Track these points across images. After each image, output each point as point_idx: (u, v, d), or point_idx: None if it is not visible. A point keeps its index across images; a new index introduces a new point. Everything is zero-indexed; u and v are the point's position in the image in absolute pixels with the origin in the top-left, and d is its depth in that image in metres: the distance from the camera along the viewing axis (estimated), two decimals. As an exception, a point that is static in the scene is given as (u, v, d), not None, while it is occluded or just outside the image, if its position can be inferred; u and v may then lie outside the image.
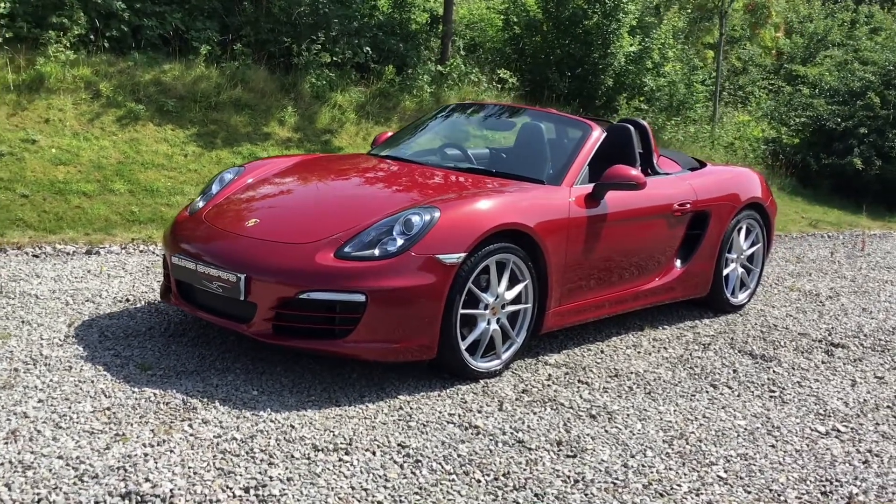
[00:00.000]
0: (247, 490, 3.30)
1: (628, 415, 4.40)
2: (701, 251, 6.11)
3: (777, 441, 4.27)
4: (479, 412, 4.25)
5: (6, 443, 3.50)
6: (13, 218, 7.29)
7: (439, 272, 4.30)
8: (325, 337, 4.29)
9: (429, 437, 3.92)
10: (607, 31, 13.45)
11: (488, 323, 4.65)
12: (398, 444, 3.82)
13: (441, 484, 3.53)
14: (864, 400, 4.97)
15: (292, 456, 3.62)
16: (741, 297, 6.65)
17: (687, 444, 4.13)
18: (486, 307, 4.61)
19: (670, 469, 3.86)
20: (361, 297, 4.19)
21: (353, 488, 3.42)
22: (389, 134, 6.45)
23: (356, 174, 5.38)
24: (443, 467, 3.66)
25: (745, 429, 4.38)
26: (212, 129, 9.62)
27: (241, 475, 3.41)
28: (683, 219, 5.94)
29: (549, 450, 3.92)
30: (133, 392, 4.08)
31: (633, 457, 3.93)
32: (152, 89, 9.69)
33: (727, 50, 20.71)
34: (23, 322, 4.93)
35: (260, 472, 3.45)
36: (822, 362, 5.57)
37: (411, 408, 4.23)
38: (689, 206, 5.93)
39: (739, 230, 6.49)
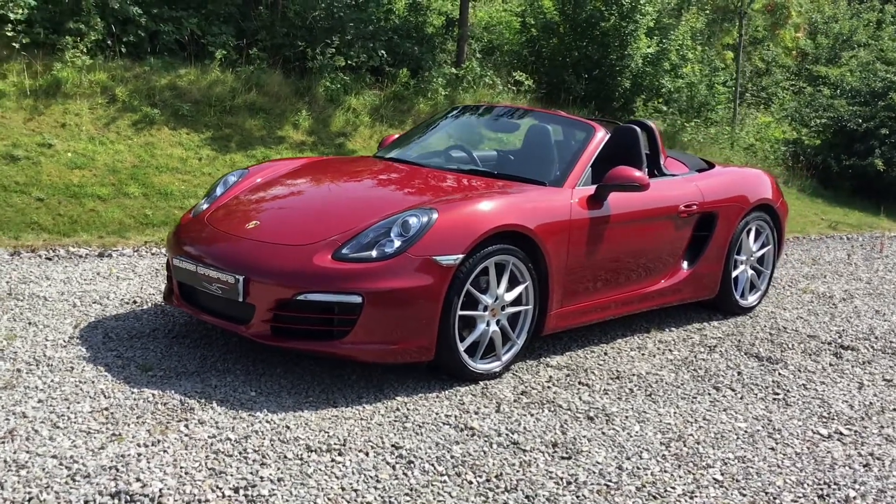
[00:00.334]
0: (236, 490, 3.32)
1: (627, 417, 4.38)
2: (708, 253, 6.07)
3: (777, 444, 4.23)
4: (476, 414, 4.25)
5: (3, 442, 3.54)
6: (28, 221, 7.38)
7: (436, 273, 4.31)
8: (322, 338, 4.31)
9: (423, 439, 3.92)
10: (624, 32, 13.42)
11: (487, 324, 4.65)
12: (392, 445, 3.83)
13: (432, 485, 3.53)
14: (870, 403, 4.91)
15: (285, 456, 3.63)
16: (751, 299, 6.59)
17: (684, 446, 4.10)
18: (485, 309, 4.61)
19: (665, 471, 3.83)
20: (358, 299, 4.20)
21: (343, 489, 3.43)
22: (396, 136, 6.47)
23: (359, 177, 5.39)
24: (435, 468, 3.66)
25: (746, 431, 4.34)
26: (226, 132, 9.69)
27: (232, 475, 3.43)
28: (690, 220, 5.91)
29: (544, 451, 3.91)
30: (132, 393, 4.12)
31: (628, 459, 3.91)
32: (168, 94, 9.78)
33: (750, 51, 20.58)
34: (29, 323, 4.99)
35: (251, 473, 3.47)
36: (830, 365, 5.51)
37: (408, 409, 4.23)
38: (695, 207, 5.89)
39: (749, 232, 6.44)
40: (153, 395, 4.11)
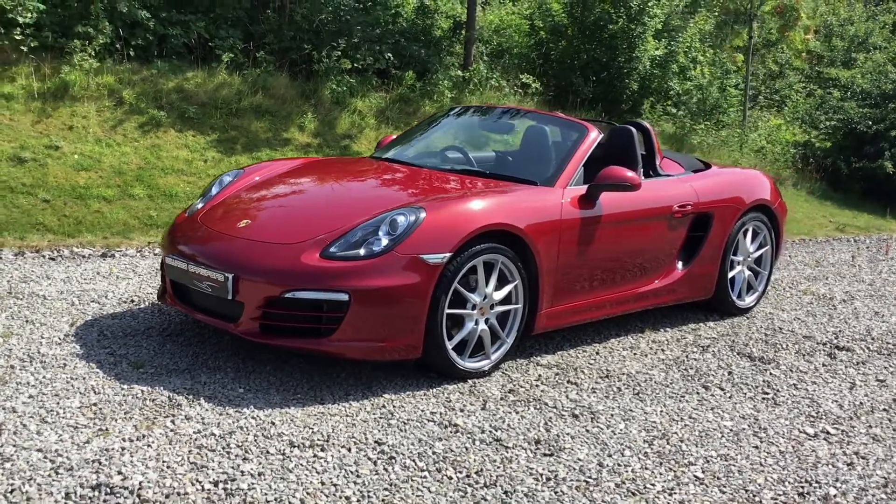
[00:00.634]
0: (216, 484, 3.37)
1: (612, 415, 4.40)
2: (703, 253, 6.08)
3: (762, 442, 4.24)
4: (462, 411, 4.28)
5: (-9, 436, 3.61)
6: (34, 222, 7.48)
7: (423, 272, 4.34)
8: (310, 336, 4.35)
9: (407, 435, 3.96)
10: (632, 35, 13.41)
11: (476, 323, 4.68)
12: (375, 441, 3.86)
13: (412, 480, 3.57)
14: (861, 403, 4.91)
15: (267, 452, 3.68)
16: (748, 299, 6.59)
17: (668, 444, 4.12)
18: (473, 307, 4.64)
19: (646, 469, 3.85)
20: (345, 297, 4.25)
21: (322, 483, 3.47)
22: (393, 137, 6.51)
23: (352, 177, 5.44)
24: (416, 464, 3.70)
25: (731, 430, 4.35)
26: (232, 134, 9.77)
27: (213, 469, 3.48)
28: (684, 220, 5.92)
29: (527, 448, 3.94)
30: (122, 389, 4.18)
31: (610, 456, 3.94)
32: (174, 96, 9.87)
33: (764, 53, 20.53)
34: (27, 321, 5.07)
35: (233, 467, 3.51)
36: (823, 365, 5.51)
37: (394, 406, 4.27)
38: (689, 207, 5.90)
39: (745, 232, 6.44)
40: (142, 391, 4.17)
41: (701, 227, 6.09)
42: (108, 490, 3.23)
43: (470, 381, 4.69)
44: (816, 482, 3.86)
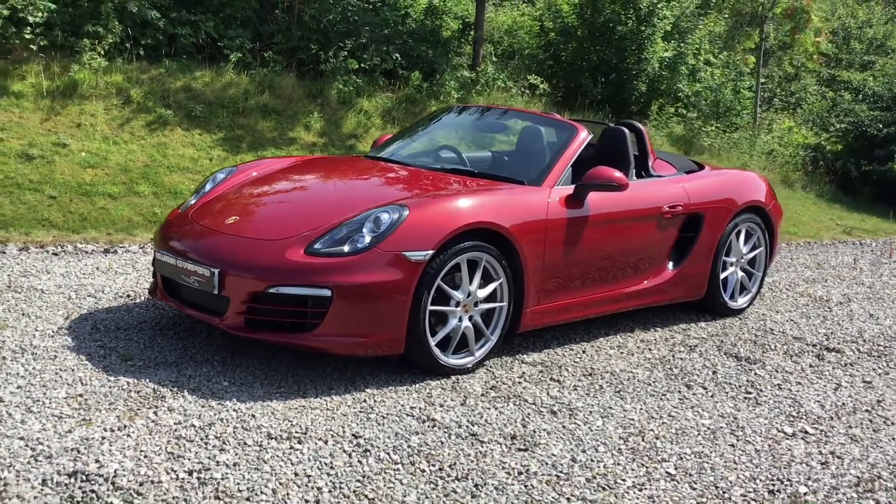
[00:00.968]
0: (190, 473, 3.45)
1: (591, 412, 4.45)
2: (694, 254, 6.10)
3: (738, 441, 4.27)
4: (441, 406, 4.35)
5: (-24, 424, 3.70)
6: (39, 218, 7.60)
7: (406, 269, 4.41)
8: (294, 331, 4.43)
9: (384, 429, 4.03)
10: (642, 36, 13.43)
11: (460, 320, 4.74)
12: (352, 435, 3.93)
13: (385, 473, 3.63)
14: (843, 403, 4.93)
15: (245, 443, 3.76)
16: (741, 301, 6.61)
17: (643, 440, 4.16)
18: (457, 304, 4.70)
19: (618, 464, 3.90)
20: (327, 292, 4.32)
21: (296, 474, 3.54)
22: (389, 136, 6.58)
23: (343, 175, 5.51)
24: (390, 457, 3.76)
25: (708, 428, 4.39)
26: (238, 133, 9.88)
27: (189, 459, 3.56)
28: (675, 221, 5.95)
29: (502, 443, 4.00)
30: (108, 381, 4.27)
31: (584, 452, 3.99)
32: (182, 95, 9.99)
33: (780, 55, 20.46)
34: (22, 314, 5.17)
35: (209, 457, 3.59)
36: (810, 366, 5.53)
37: (375, 401, 4.34)
38: (680, 208, 5.93)
39: (738, 234, 6.46)
40: (128, 383, 4.26)
41: (692, 228, 6.12)
42: (84, 477, 3.32)
43: (453, 377, 4.75)
44: (788, 480, 3.90)
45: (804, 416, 4.67)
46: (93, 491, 3.25)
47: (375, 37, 11.46)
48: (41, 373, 4.31)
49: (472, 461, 3.80)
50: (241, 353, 4.80)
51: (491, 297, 4.87)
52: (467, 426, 4.13)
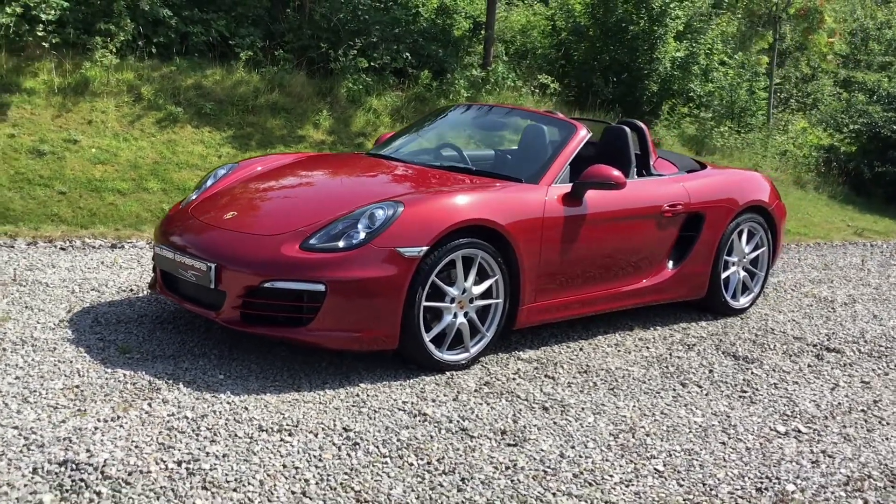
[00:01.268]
0: (179, 463, 3.50)
1: (583, 409, 4.47)
2: (695, 253, 6.10)
3: (729, 439, 4.28)
4: (434, 401, 4.38)
5: (-28, 413, 3.77)
6: (49, 213, 7.69)
7: (400, 265, 4.44)
8: (289, 325, 4.47)
9: (374, 423, 4.06)
10: (654, 36, 13.41)
11: (455, 316, 4.76)
12: (343, 428, 3.97)
13: (373, 466, 3.67)
14: (839, 403, 4.92)
15: (236, 435, 3.80)
16: (743, 300, 6.60)
17: (633, 437, 4.18)
18: (452, 300, 4.73)
19: (607, 460, 3.92)
20: (321, 287, 4.36)
21: (284, 466, 3.58)
22: (392, 134, 6.62)
23: (342, 172, 5.56)
24: (379, 450, 3.80)
25: (700, 426, 4.40)
26: (248, 131, 9.95)
27: (179, 450, 3.60)
28: (675, 220, 5.95)
29: (491, 438, 4.02)
30: (106, 372, 4.33)
31: (573, 447, 4.01)
32: (192, 93, 10.07)
33: (798, 56, 20.37)
34: (25, 307, 5.24)
35: (199, 448, 3.64)
36: (808, 366, 5.52)
37: (368, 395, 4.37)
38: (680, 207, 5.93)
39: (741, 233, 6.45)
40: (125, 375, 4.32)
41: (693, 227, 6.12)
42: (74, 466, 3.37)
43: (448, 373, 4.78)
44: (777, 478, 3.90)
45: (798, 416, 4.67)
46: (82, 480, 3.30)
47: (386, 35, 11.51)
48: (40, 364, 4.38)
49: (461, 455, 3.83)
50: (238, 348, 4.85)
51: (486, 294, 4.90)
52: (458, 421, 4.16)
